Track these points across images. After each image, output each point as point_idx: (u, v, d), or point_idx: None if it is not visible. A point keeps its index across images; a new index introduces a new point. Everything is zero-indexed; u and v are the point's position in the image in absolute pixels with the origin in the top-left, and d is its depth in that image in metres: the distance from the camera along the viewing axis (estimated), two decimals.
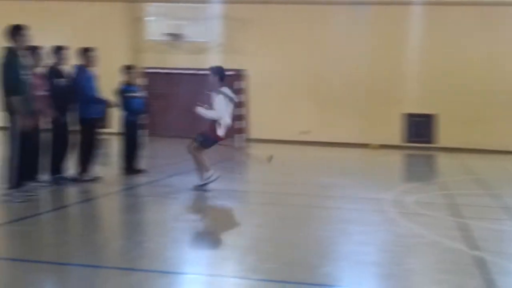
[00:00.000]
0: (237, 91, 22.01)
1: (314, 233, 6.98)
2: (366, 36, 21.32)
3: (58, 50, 9.62)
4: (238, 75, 22.05)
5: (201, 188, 9.55)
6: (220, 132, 9.57)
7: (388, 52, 21.16)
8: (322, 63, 21.75)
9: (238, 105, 21.86)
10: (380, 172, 14.63)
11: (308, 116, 21.88)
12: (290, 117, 21.98)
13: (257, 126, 22.51)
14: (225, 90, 9.75)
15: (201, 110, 9.67)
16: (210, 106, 9.63)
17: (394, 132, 21.30)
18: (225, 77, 9.92)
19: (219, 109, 9.50)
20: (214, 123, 9.55)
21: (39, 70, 9.11)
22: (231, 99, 9.74)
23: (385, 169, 15.53)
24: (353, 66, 21.43)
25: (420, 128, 21.02)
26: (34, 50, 8.99)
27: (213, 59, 21.71)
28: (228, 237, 6.63)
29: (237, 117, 21.97)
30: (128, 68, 11.26)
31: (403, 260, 5.98)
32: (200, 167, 9.68)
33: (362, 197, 9.73)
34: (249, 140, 22.20)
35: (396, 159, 18.51)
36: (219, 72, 9.79)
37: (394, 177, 14.08)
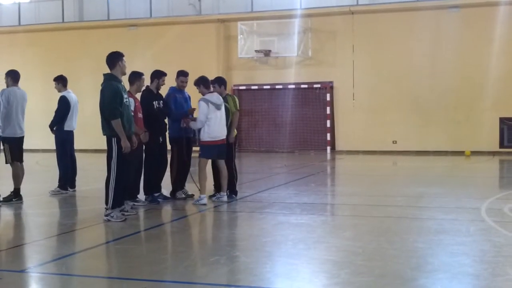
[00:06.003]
0: (325, 103, 22.06)
1: (407, 244, 6.85)
2: (455, 40, 20.80)
3: (156, 74, 10.07)
4: (325, 87, 22.01)
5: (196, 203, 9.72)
6: (206, 137, 9.66)
7: (480, 56, 20.51)
8: (409, 71, 21.38)
9: (327, 117, 21.94)
10: (474, 180, 14.16)
11: (397, 125, 21.52)
12: (378, 128, 21.69)
13: (344, 138, 22.34)
14: (210, 97, 9.80)
15: (191, 124, 9.92)
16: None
17: (488, 138, 20.57)
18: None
19: (200, 118, 9.64)
20: (199, 131, 9.77)
21: (137, 93, 9.57)
22: (217, 106, 9.77)
23: (480, 177, 15.01)
24: (442, 72, 20.95)
25: None
26: (136, 75, 9.45)
27: (300, 73, 21.88)
28: (320, 251, 6.62)
29: (324, 130, 22.05)
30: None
31: (504, 271, 5.75)
32: (200, 183, 9.79)
33: (457, 207, 9.46)
34: (336, 152, 22.08)
35: (491, 165, 17.84)
36: None
37: (489, 185, 13.58)
